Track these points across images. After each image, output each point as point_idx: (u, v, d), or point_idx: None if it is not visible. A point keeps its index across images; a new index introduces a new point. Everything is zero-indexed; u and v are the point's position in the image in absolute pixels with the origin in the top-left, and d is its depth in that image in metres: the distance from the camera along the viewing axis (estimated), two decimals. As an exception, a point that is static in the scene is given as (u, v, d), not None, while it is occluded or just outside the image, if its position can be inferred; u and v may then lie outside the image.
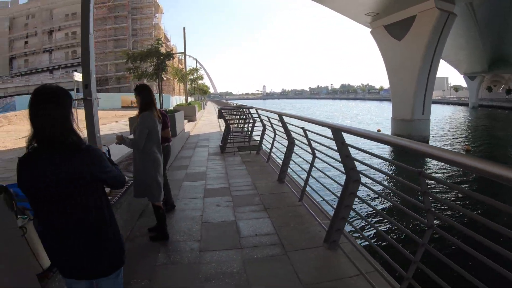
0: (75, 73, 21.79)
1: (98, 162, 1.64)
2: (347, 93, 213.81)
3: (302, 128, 4.43)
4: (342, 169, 3.25)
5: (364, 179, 3.18)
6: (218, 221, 4.35)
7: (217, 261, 3.26)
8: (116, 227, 1.79)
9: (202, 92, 49.38)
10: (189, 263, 3.29)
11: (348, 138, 3.14)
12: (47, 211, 1.59)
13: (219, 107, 13.82)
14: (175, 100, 48.07)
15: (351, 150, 3.15)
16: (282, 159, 5.83)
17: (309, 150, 4.48)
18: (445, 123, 39.15)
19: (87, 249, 1.65)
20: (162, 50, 14.67)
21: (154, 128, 3.79)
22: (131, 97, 42.05)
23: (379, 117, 48.50)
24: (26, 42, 57.30)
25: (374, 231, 7.54)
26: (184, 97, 44.02)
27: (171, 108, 20.57)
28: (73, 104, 1.63)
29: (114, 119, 25.78)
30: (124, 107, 41.77)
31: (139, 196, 3.90)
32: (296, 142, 5.41)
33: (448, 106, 77.89)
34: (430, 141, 23.14)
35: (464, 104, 76.09)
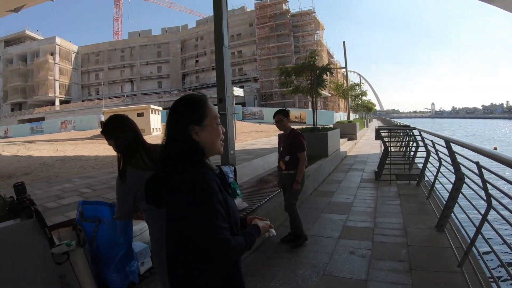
0: (234, 88, 23.96)
1: None
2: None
3: (476, 163, 3.26)
4: None
5: None
6: (345, 277, 3.54)
7: None
8: None
9: (366, 109, 47.75)
10: None
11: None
12: None
13: (376, 126, 12.78)
14: (339, 116, 47.86)
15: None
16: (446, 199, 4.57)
17: (483, 195, 3.27)
18: None
19: None
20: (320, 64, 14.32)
21: None
22: (295, 112, 43.71)
23: None
24: (196, 61, 69.22)
25: None
26: (352, 114, 43.41)
27: (331, 125, 20.19)
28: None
29: (261, 135, 26.73)
30: None
31: None
32: (467, 180, 4.09)
33: None
34: None
35: None
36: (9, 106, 69.22)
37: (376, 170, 8.97)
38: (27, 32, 71.71)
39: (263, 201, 4.92)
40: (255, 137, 23.81)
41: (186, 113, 1.43)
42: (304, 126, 14.08)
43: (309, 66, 13.10)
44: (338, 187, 8.16)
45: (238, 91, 23.38)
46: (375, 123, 49.60)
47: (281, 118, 4.55)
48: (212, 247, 1.29)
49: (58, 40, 68.41)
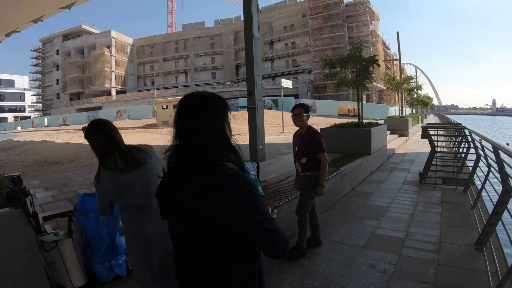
0: (282, 80, 23.44)
1: None
2: None
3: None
4: None
5: None
6: (356, 297, 3.15)
7: None
8: None
9: (422, 104, 45.70)
10: None
11: None
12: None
13: (423, 124, 11.93)
14: (394, 110, 46.25)
15: None
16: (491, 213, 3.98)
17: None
18: None
19: None
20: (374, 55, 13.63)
21: None
22: (348, 106, 42.53)
23: None
24: None
25: None
26: (407, 108, 41.54)
27: (379, 121, 19.34)
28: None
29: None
30: (341, 115, 42.52)
31: None
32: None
33: None
34: None
35: None
36: (67, 96, 74.12)
37: (421, 172, 8.31)
38: (84, 26, 76.26)
39: (282, 202, 4.58)
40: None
41: (223, 107, 1.42)
42: (350, 120, 13.43)
43: (355, 58, 12.49)
44: (377, 188, 7.65)
45: (286, 83, 22.96)
46: (432, 119, 47.19)
47: (300, 112, 4.06)
48: (276, 243, 1.31)
49: (113, 33, 71.76)
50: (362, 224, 5.21)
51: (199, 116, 1.34)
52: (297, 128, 4.22)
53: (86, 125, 2.31)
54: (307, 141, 4.01)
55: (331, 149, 10.15)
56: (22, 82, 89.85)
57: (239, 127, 26.52)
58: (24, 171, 10.09)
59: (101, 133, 2.22)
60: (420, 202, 6.47)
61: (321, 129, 11.13)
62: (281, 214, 4.43)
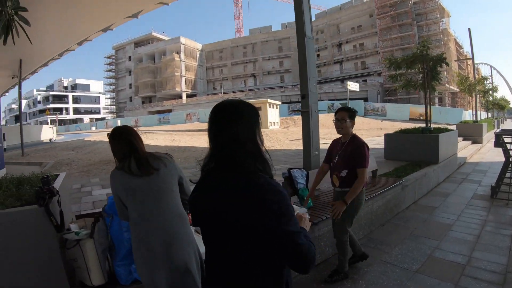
0: (349, 82, 22.89)
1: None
2: None
3: None
4: None
5: None
6: None
7: None
8: None
9: (498, 107, 42.06)
10: None
11: None
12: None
13: (496, 130, 10.87)
14: (468, 114, 43.27)
15: None
16: None
17: None
18: None
19: None
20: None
21: None
22: (419, 109, 40.47)
23: None
24: (318, 55, 67.77)
25: None
26: (483, 112, 38.78)
27: (452, 126, 18.08)
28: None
29: (378, 132, 24.40)
30: (412, 119, 40.42)
31: None
32: None
33: None
34: None
35: None
36: (140, 99, 79.45)
37: (493, 185, 7.52)
38: (154, 34, 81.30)
39: (327, 216, 4.23)
40: (372, 134, 21.96)
41: (254, 115, 1.44)
42: (419, 125, 12.56)
43: (421, 57, 11.70)
44: (442, 203, 7.01)
45: (353, 86, 22.44)
46: (510, 124, 43.35)
47: (344, 117, 3.52)
48: (299, 257, 1.30)
49: (182, 39, 75.17)
50: (419, 244, 4.77)
51: (231, 124, 1.37)
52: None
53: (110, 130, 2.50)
54: (350, 151, 3.52)
55: (394, 157, 9.68)
56: (97, 86, 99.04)
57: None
58: (88, 169, 10.79)
59: (118, 139, 2.40)
60: (489, 221, 5.80)
61: (385, 134, 10.70)
62: (328, 228, 4.17)
